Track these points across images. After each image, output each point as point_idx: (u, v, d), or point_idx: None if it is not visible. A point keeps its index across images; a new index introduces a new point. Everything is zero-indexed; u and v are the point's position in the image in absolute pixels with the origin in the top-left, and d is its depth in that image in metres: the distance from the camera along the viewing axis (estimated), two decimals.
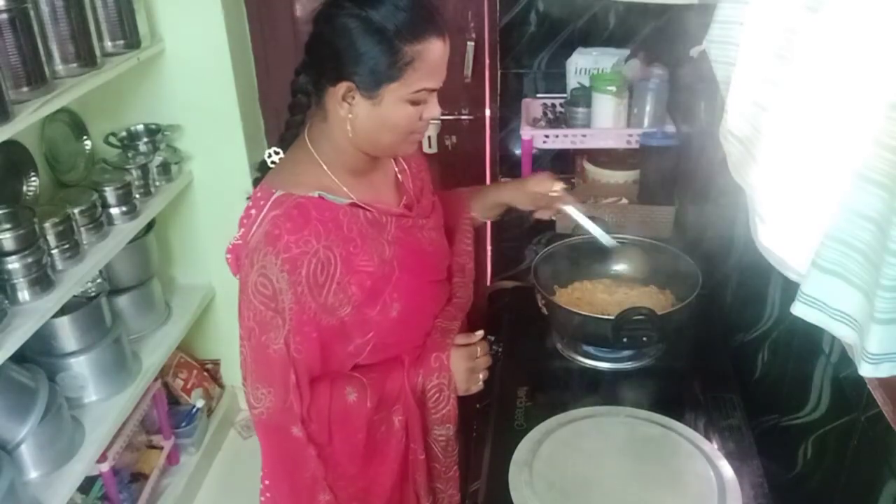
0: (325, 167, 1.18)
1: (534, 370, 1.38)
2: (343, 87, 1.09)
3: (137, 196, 2.08)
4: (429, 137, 2.56)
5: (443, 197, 1.47)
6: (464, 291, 1.41)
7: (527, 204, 1.47)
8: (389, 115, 1.11)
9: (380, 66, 1.07)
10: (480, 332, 1.30)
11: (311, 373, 1.18)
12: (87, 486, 1.94)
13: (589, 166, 2.15)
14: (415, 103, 1.11)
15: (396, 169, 1.33)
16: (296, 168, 1.19)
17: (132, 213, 2.03)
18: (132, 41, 2.06)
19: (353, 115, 1.12)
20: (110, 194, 1.98)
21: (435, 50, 1.09)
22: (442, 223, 1.40)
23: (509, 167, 2.44)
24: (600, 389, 1.33)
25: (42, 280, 1.67)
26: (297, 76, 1.20)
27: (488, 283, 1.88)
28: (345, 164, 1.19)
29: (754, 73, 1.01)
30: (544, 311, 1.40)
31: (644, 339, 1.28)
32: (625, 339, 1.28)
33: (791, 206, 0.90)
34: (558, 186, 1.44)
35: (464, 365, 1.25)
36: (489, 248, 2.71)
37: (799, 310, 0.80)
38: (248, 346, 1.16)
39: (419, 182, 1.37)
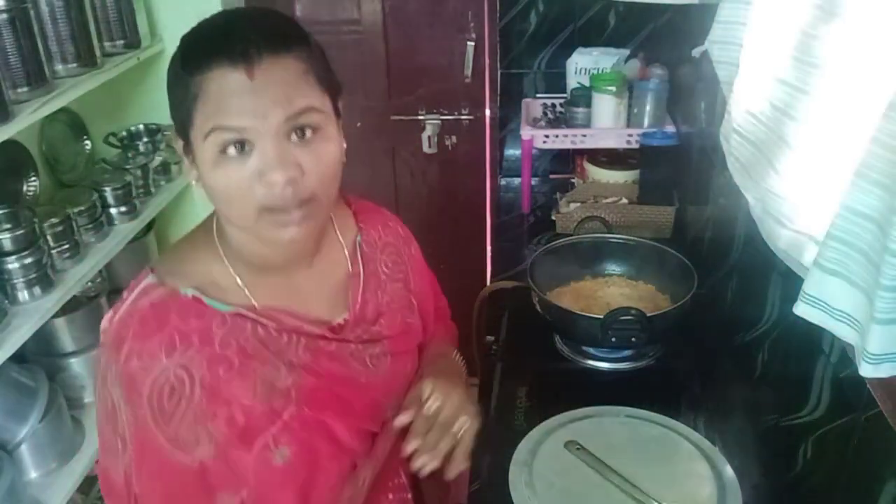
0: (222, 256, 0.91)
1: (534, 370, 1.38)
2: (177, 142, 0.86)
3: (137, 196, 2.08)
4: (428, 137, 2.57)
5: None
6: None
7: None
8: (205, 175, 0.83)
9: (174, 105, 0.84)
10: None
11: None
12: (87, 486, 1.94)
13: (589, 166, 2.15)
14: (229, 157, 0.80)
15: (351, 270, 1.01)
16: (188, 250, 0.93)
17: (132, 213, 2.03)
18: (132, 41, 2.06)
19: (197, 182, 0.85)
20: (110, 194, 1.98)
21: (226, 80, 0.78)
22: (412, 349, 1.07)
23: (509, 167, 2.44)
24: (600, 389, 1.33)
25: (42, 280, 1.67)
26: None
27: (488, 283, 1.87)
28: (245, 255, 0.90)
29: (766, 74, 1.01)
30: (539, 308, 1.41)
31: (633, 339, 1.29)
32: (613, 339, 1.28)
33: (814, 210, 0.90)
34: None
35: None
36: (489, 248, 2.71)
37: (801, 310, 0.80)
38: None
39: (388, 294, 1.03)
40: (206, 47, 0.80)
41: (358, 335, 0.98)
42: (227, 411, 0.87)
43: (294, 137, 0.81)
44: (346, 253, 1.01)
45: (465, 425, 0.95)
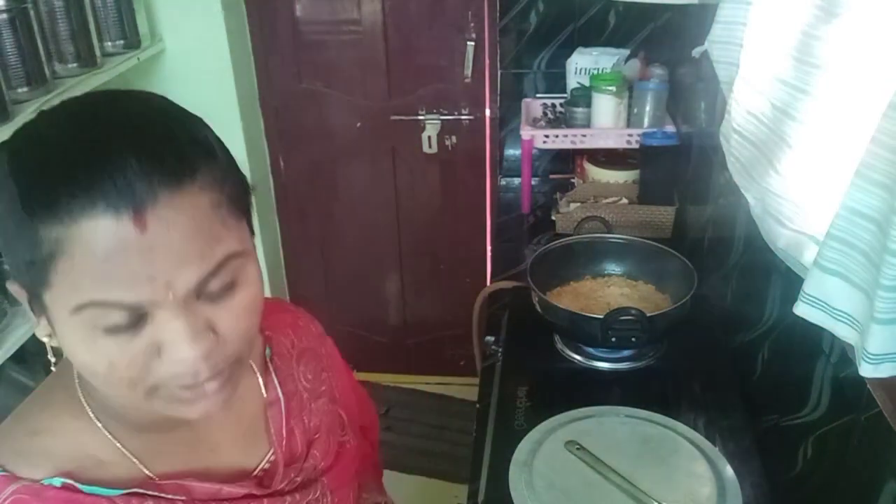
0: (92, 417, 0.66)
1: (534, 370, 1.37)
2: (16, 289, 0.60)
3: None
4: (428, 137, 2.57)
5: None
6: None
7: None
8: (73, 351, 0.58)
9: (17, 258, 0.55)
10: None
11: None
12: None
13: (589, 166, 2.15)
14: (112, 333, 0.55)
15: (267, 396, 0.78)
16: (40, 415, 0.67)
17: None
18: (132, 41, 2.06)
19: (51, 341, 0.61)
20: None
21: (96, 238, 0.52)
22: (352, 479, 0.88)
23: (509, 167, 2.44)
24: (600, 389, 1.33)
25: None
26: None
27: (488, 283, 1.87)
28: (124, 414, 0.66)
29: (766, 74, 1.01)
30: (538, 308, 1.41)
31: (633, 339, 1.29)
32: (613, 339, 1.28)
33: (815, 210, 0.90)
34: None
35: None
36: (489, 248, 2.71)
37: (801, 310, 0.80)
38: None
39: (315, 415, 0.82)
40: (62, 183, 0.52)
41: (291, 479, 0.76)
42: None
43: (203, 298, 0.58)
44: (257, 373, 0.78)
45: None
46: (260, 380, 0.78)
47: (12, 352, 1.55)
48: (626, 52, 2.19)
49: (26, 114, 1.56)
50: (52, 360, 0.67)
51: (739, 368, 1.33)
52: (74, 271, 0.53)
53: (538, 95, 2.31)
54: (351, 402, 0.96)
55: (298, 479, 0.77)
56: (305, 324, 0.88)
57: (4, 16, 1.54)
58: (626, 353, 1.36)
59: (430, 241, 2.79)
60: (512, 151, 2.42)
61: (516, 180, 2.31)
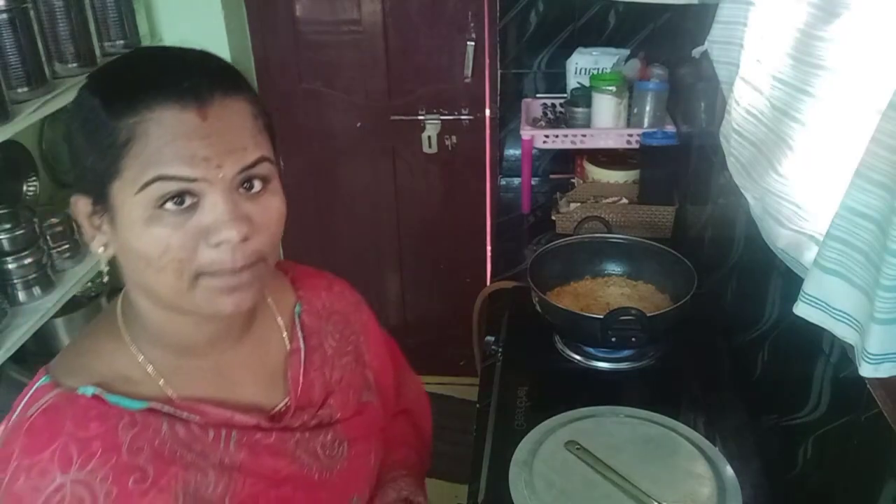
0: (127, 341, 0.77)
1: (534, 370, 1.37)
2: (79, 203, 0.72)
3: None
4: (428, 137, 2.57)
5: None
6: None
7: None
8: (132, 237, 0.69)
9: (91, 156, 0.69)
10: None
11: None
12: None
13: (589, 166, 2.15)
14: (169, 212, 0.67)
15: (290, 346, 0.87)
16: (87, 340, 0.79)
17: None
18: (132, 41, 2.06)
19: (106, 247, 0.72)
20: None
21: (171, 122, 0.66)
22: (373, 433, 0.93)
23: (509, 167, 2.44)
24: (600, 389, 1.33)
25: (42, 280, 1.67)
26: None
27: (488, 283, 1.87)
28: (161, 336, 0.77)
29: (766, 74, 1.01)
30: (538, 308, 1.41)
31: (633, 339, 1.29)
32: (613, 339, 1.28)
33: (815, 210, 0.90)
34: None
35: None
36: (489, 248, 2.71)
37: (801, 310, 0.80)
38: None
39: (338, 369, 0.90)
40: (142, 84, 0.67)
41: (303, 422, 0.84)
42: None
43: (242, 190, 0.70)
44: (283, 327, 0.88)
45: None
46: (285, 333, 0.88)
47: (12, 352, 1.55)
48: (626, 52, 2.19)
49: (26, 114, 1.56)
50: (106, 275, 0.77)
51: (739, 368, 1.33)
52: (147, 152, 0.66)
53: (538, 95, 2.31)
54: (384, 367, 1.02)
55: (312, 422, 0.85)
56: (340, 290, 0.98)
57: (4, 16, 1.54)
58: (626, 353, 1.36)
59: (430, 241, 2.79)
60: (512, 151, 2.42)
61: (516, 180, 2.31)
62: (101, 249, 0.73)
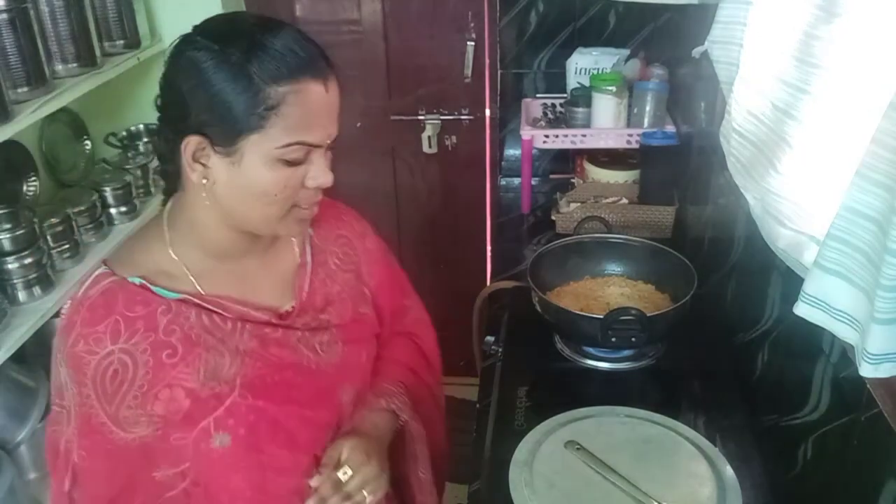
0: (168, 245, 0.94)
1: (534, 370, 1.37)
2: (192, 142, 0.86)
3: (137, 196, 2.08)
4: (428, 137, 2.57)
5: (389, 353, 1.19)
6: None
7: None
8: (254, 178, 0.86)
9: (235, 111, 0.83)
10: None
11: (101, 491, 0.97)
12: None
13: (589, 166, 2.15)
14: (290, 164, 0.87)
15: (300, 260, 1.05)
16: (136, 241, 0.98)
17: (132, 213, 2.03)
18: (132, 41, 2.06)
19: (208, 179, 0.88)
20: (110, 194, 1.98)
21: (311, 95, 0.84)
22: (366, 338, 1.11)
23: (509, 167, 2.44)
24: (600, 389, 1.33)
25: (42, 280, 1.67)
26: (157, 137, 0.95)
27: (488, 283, 1.87)
28: (202, 243, 0.95)
29: (766, 74, 1.01)
30: (538, 308, 1.41)
31: (633, 339, 1.29)
32: (613, 339, 1.28)
33: (815, 210, 0.90)
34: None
35: None
36: (489, 248, 2.71)
37: (801, 310, 0.80)
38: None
39: (338, 283, 1.07)
40: (294, 60, 0.83)
41: (305, 322, 1.01)
42: (169, 395, 0.91)
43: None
44: (297, 244, 1.06)
45: (366, 500, 1.00)
46: (297, 249, 1.05)
47: (12, 352, 1.55)
48: (626, 52, 2.19)
49: (26, 114, 1.56)
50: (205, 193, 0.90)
51: (739, 368, 1.33)
52: (291, 118, 0.84)
53: (538, 95, 2.31)
54: (383, 288, 1.17)
55: (313, 324, 1.02)
56: (349, 220, 1.15)
57: (4, 16, 1.54)
58: (626, 353, 1.36)
59: (430, 241, 2.79)
60: (512, 151, 2.42)
61: (516, 180, 2.31)
62: (203, 181, 0.88)
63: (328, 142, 0.90)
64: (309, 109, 0.85)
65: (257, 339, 0.96)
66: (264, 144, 0.84)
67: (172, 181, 0.95)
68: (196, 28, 0.88)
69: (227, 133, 0.84)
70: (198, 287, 0.95)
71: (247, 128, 0.83)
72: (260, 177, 0.86)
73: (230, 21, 0.90)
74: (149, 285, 0.92)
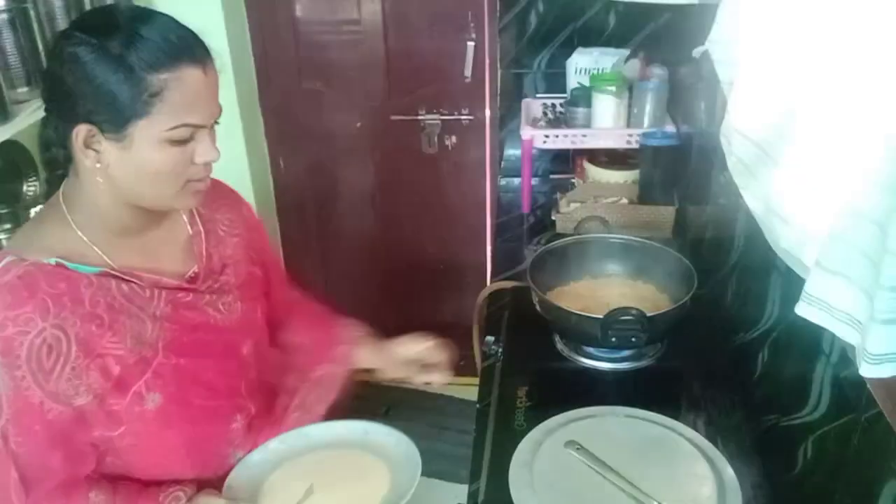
0: (74, 226, 0.99)
1: (534, 370, 1.38)
2: (82, 130, 0.92)
3: None
4: (428, 137, 2.57)
5: (308, 308, 1.39)
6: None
7: (397, 371, 1.30)
8: (145, 159, 0.94)
9: (120, 100, 0.89)
10: None
11: (45, 469, 1.00)
12: None
13: (589, 166, 2.15)
14: (178, 143, 0.94)
15: (191, 230, 1.13)
16: (38, 228, 1.02)
17: None
18: None
19: (101, 163, 0.94)
20: None
21: (190, 79, 0.92)
22: (259, 296, 1.23)
23: (509, 167, 2.44)
24: (600, 389, 1.33)
25: None
26: (44, 127, 0.99)
27: (488, 283, 1.87)
28: (104, 222, 1.01)
29: (766, 74, 1.01)
30: (538, 308, 1.41)
31: (633, 339, 1.29)
32: (613, 339, 1.28)
33: (816, 210, 0.89)
34: (423, 347, 1.28)
35: None
36: (489, 248, 2.71)
37: (802, 310, 0.80)
38: None
39: (229, 247, 1.17)
40: (172, 48, 0.91)
41: (209, 286, 1.12)
42: (102, 363, 0.98)
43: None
44: (185, 215, 1.14)
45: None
46: (185, 218, 1.13)
47: None
48: (626, 52, 2.19)
49: (26, 114, 1.56)
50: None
51: (739, 368, 1.33)
52: (173, 103, 0.91)
53: (538, 95, 2.31)
54: (264, 248, 1.30)
55: (216, 286, 1.13)
56: (226, 191, 1.23)
57: (4, 16, 1.54)
58: (626, 353, 1.36)
59: (430, 241, 2.79)
60: (512, 151, 2.42)
61: (516, 180, 2.31)
62: (97, 165, 0.94)
63: (212, 121, 0.97)
64: (190, 93, 0.92)
65: (171, 304, 1.05)
66: (152, 128, 0.92)
67: (63, 167, 1.01)
68: (73, 23, 0.96)
69: (115, 121, 0.91)
70: (110, 262, 1.01)
71: (133, 114, 0.90)
72: (151, 158, 0.94)
73: (106, 14, 0.95)
74: (65, 264, 0.96)
